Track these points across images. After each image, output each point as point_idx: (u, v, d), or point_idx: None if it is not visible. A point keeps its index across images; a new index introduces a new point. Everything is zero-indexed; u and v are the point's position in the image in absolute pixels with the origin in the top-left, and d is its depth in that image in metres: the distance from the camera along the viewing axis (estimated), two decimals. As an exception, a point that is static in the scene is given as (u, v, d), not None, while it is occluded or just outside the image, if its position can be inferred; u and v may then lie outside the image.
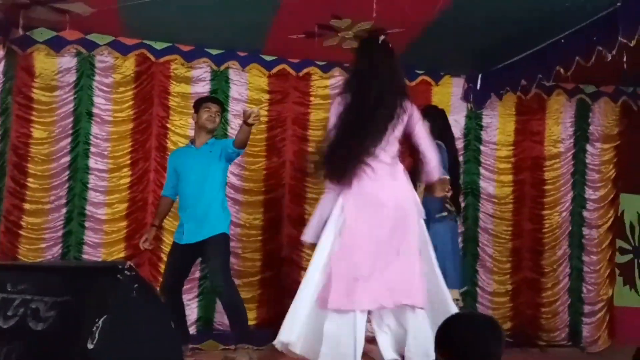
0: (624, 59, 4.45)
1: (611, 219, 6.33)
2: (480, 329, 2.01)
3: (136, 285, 1.97)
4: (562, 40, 4.94)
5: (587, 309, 6.25)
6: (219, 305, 5.61)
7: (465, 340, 1.97)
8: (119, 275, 1.92)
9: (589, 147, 6.37)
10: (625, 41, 4.21)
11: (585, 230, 6.30)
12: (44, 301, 1.86)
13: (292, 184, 5.85)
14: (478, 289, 6.09)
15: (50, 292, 1.91)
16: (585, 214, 6.31)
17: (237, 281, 5.64)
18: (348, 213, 3.76)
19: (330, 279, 3.70)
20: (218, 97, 5.28)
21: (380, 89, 3.80)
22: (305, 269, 5.72)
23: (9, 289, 1.94)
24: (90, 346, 1.77)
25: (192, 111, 4.91)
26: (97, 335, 1.77)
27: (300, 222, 5.84)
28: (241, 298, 4.77)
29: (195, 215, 4.65)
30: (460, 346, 1.97)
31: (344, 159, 3.75)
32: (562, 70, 4.96)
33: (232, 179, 5.72)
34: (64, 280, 1.98)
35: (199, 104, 4.90)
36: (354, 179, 3.75)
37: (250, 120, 4.29)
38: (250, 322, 5.67)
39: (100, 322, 1.79)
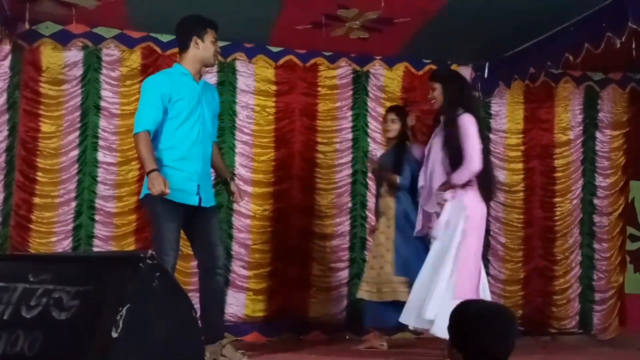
0: (633, 46, 4.44)
1: (621, 206, 6.30)
2: (492, 320, 1.95)
3: (157, 274, 1.97)
4: (571, 28, 4.90)
5: (597, 296, 6.23)
6: (228, 298, 5.59)
7: (478, 332, 1.91)
8: (140, 264, 1.92)
9: (598, 135, 6.34)
10: (635, 27, 4.18)
11: (596, 218, 6.28)
12: (67, 291, 1.86)
13: (301, 175, 5.83)
14: (490, 278, 6.05)
15: (73, 281, 1.91)
16: (595, 201, 6.29)
17: (246, 273, 5.67)
18: None
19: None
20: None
21: None
22: (314, 260, 5.78)
23: (31, 279, 1.94)
24: (114, 335, 1.77)
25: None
26: (121, 324, 1.77)
27: (310, 212, 5.84)
28: None
29: (206, 171, 3.92)
30: (473, 339, 1.91)
31: None
32: (571, 58, 4.93)
33: (241, 171, 5.71)
34: (85, 270, 1.98)
35: (203, 26, 3.92)
36: None
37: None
38: (261, 314, 5.68)
39: (124, 311, 1.79)
